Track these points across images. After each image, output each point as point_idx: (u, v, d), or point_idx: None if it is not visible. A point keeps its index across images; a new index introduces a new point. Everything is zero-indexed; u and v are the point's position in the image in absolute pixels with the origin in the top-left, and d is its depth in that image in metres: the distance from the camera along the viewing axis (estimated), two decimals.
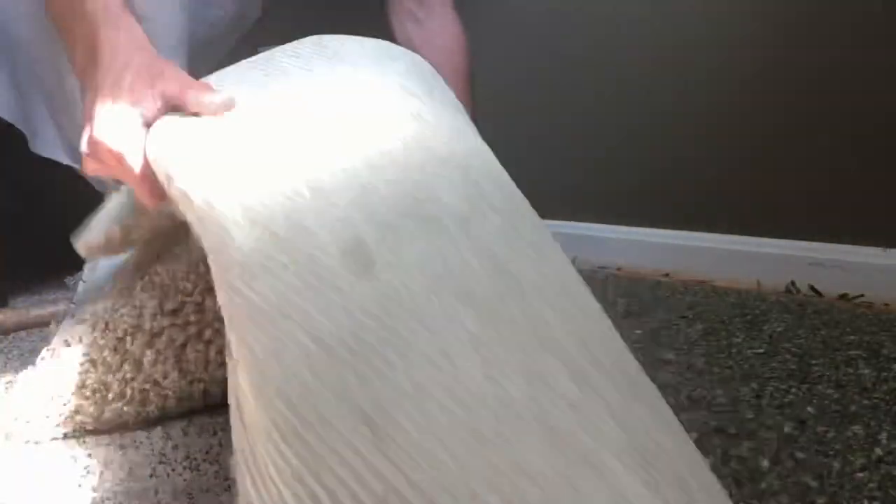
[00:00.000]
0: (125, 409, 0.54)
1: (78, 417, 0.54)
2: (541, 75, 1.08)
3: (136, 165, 0.43)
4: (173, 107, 0.45)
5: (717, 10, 0.88)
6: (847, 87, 0.79)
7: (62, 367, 0.55)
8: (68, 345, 0.56)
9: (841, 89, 0.80)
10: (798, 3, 0.82)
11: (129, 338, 0.54)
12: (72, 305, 0.69)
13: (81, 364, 0.54)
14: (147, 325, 0.54)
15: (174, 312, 0.55)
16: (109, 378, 0.54)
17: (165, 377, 0.54)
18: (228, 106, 0.43)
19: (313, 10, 1.40)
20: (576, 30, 1.03)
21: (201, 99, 0.44)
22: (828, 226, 0.83)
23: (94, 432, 0.54)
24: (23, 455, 0.51)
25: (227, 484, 0.46)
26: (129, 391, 0.54)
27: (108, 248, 0.56)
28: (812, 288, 0.82)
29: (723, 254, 0.90)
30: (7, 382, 0.63)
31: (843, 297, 0.79)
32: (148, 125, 0.44)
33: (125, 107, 0.46)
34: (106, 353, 0.54)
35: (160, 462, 0.49)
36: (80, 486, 0.47)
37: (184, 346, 0.54)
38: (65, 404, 0.54)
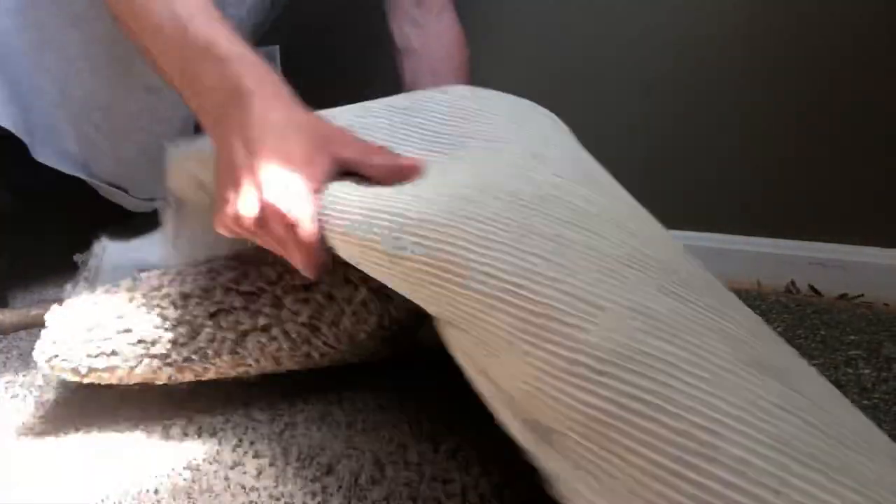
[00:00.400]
0: (160, 369, 0.52)
1: (112, 360, 0.51)
2: (542, 74, 1.08)
3: (309, 234, 0.42)
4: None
5: (719, 9, 0.88)
6: (847, 87, 0.79)
7: (108, 302, 0.53)
8: (134, 282, 0.54)
9: (841, 88, 0.80)
10: (800, 4, 0.82)
11: (195, 300, 0.51)
12: (85, 274, 0.68)
13: (135, 302, 0.52)
14: (217, 297, 0.51)
15: (249, 296, 0.52)
16: (161, 333, 0.51)
17: (218, 355, 0.51)
18: (415, 172, 0.43)
19: (316, 13, 1.40)
20: (573, 30, 1.03)
21: (383, 164, 0.43)
22: (828, 226, 0.83)
23: (111, 390, 0.54)
24: (19, 454, 0.51)
25: (227, 484, 0.46)
26: (174, 355, 0.51)
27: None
28: (812, 288, 0.82)
29: (723, 254, 0.90)
30: (7, 382, 0.63)
31: (842, 296, 0.79)
32: (316, 191, 0.43)
33: (297, 171, 0.43)
34: (166, 303, 0.52)
35: (160, 462, 0.49)
36: (78, 485, 0.47)
37: (246, 334, 0.52)
38: (106, 339, 0.51)
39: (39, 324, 0.76)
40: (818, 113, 0.82)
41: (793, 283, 0.83)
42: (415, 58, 0.82)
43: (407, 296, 0.40)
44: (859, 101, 0.79)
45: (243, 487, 0.45)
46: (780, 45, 0.83)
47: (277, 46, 1.56)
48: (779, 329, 0.69)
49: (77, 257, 0.84)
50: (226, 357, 0.52)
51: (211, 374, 0.53)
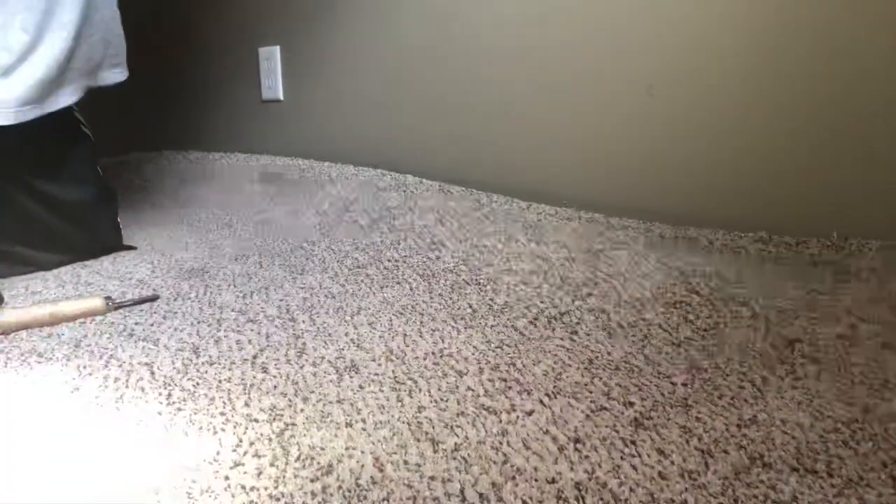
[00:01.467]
0: None
1: None
2: (543, 74, 1.08)
3: None
4: None
5: (720, 10, 0.88)
6: (848, 86, 0.79)
7: None
8: None
9: (841, 88, 0.80)
10: (796, 4, 0.82)
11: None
12: None
13: None
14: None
15: None
16: None
17: None
18: None
19: (315, 13, 1.39)
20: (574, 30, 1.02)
21: None
22: (829, 223, 0.83)
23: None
24: (18, 454, 0.51)
25: (226, 484, 0.46)
26: None
27: None
28: None
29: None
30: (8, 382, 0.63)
31: None
32: None
33: None
34: None
35: None
36: (77, 485, 0.47)
37: None
38: None
39: (39, 324, 0.76)
40: (819, 112, 0.82)
41: None
42: None
43: None
44: (861, 100, 0.79)
45: (243, 487, 0.45)
46: (779, 45, 0.83)
47: (278, 46, 1.56)
48: None
49: None
50: None
51: None
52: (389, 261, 0.97)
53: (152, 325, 0.76)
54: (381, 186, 1.29)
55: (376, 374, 0.61)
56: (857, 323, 0.66)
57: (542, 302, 0.77)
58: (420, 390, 0.58)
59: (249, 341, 0.70)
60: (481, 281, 0.86)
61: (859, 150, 0.80)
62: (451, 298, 0.81)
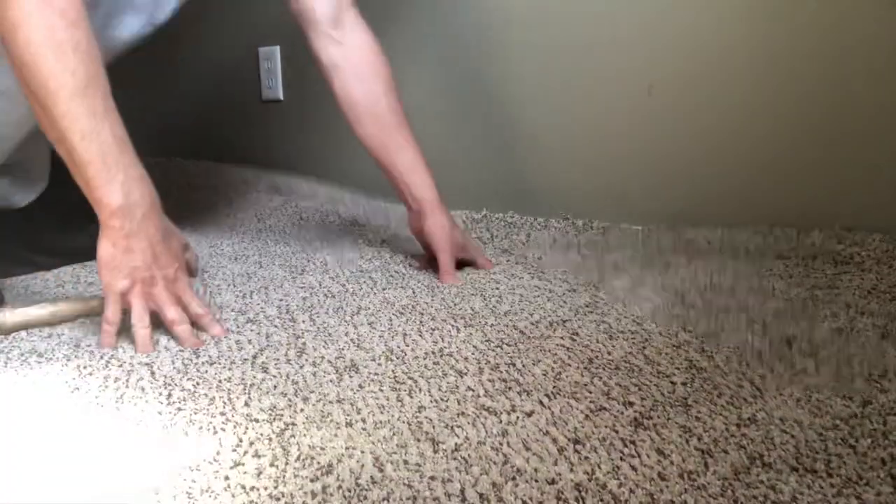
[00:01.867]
0: None
1: None
2: (546, 74, 1.08)
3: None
4: None
5: (721, 10, 0.88)
6: (847, 87, 0.79)
7: None
8: None
9: (840, 88, 0.80)
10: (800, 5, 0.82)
11: None
12: None
13: None
14: None
15: None
16: None
17: None
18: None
19: None
20: (575, 30, 1.02)
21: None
22: (827, 218, 0.83)
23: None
24: (18, 454, 0.51)
25: (226, 484, 0.46)
26: None
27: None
28: None
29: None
30: (8, 382, 0.63)
31: None
32: None
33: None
34: None
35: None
36: (76, 485, 0.47)
37: None
38: None
39: (39, 324, 0.76)
40: (820, 112, 0.82)
41: None
42: (341, 71, 0.93)
43: None
44: (859, 100, 0.79)
45: (243, 487, 0.45)
46: (783, 46, 0.83)
47: (278, 46, 1.56)
48: None
49: None
50: None
51: None
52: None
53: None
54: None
55: (376, 374, 0.61)
56: (857, 316, 0.66)
57: (542, 303, 0.77)
58: (420, 390, 0.58)
59: (249, 341, 0.70)
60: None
61: (860, 147, 0.80)
62: (452, 301, 0.81)
